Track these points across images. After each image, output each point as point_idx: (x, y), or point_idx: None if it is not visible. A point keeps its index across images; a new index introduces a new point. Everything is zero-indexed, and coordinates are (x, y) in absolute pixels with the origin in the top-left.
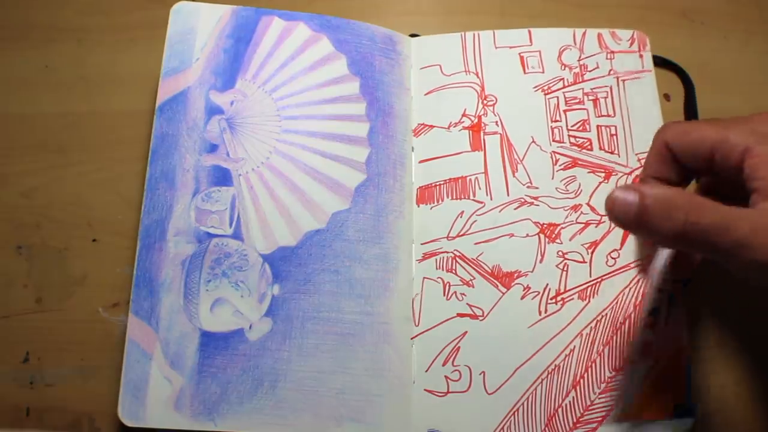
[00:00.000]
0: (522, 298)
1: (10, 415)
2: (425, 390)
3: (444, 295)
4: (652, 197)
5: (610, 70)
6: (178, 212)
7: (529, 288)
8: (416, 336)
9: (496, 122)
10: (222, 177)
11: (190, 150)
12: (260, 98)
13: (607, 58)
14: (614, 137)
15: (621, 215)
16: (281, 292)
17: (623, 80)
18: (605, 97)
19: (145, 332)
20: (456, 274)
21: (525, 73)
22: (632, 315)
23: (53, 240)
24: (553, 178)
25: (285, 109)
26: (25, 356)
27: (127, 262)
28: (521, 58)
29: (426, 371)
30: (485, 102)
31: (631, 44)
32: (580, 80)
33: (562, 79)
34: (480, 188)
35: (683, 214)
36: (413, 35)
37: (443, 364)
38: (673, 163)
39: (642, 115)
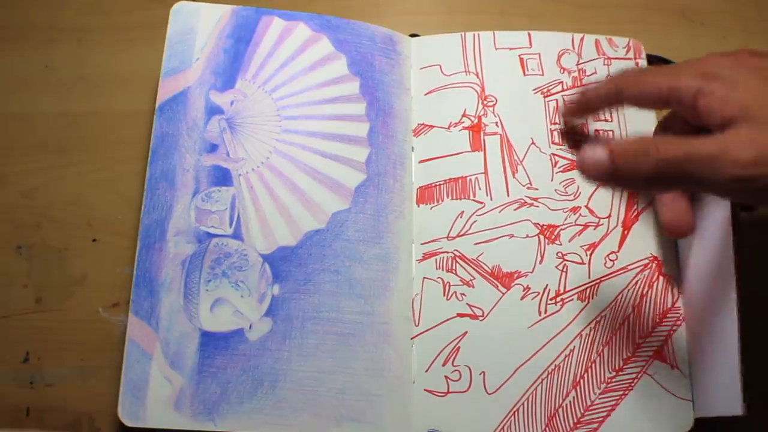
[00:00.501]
0: (522, 298)
1: (10, 415)
2: (425, 390)
3: (444, 295)
4: (619, 145)
5: (607, 76)
6: (178, 212)
7: (529, 288)
8: (416, 336)
9: (496, 123)
10: (222, 177)
11: (190, 150)
12: (260, 98)
13: (604, 64)
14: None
15: (594, 171)
16: (281, 292)
17: None
18: None
19: (145, 332)
20: (456, 274)
21: (525, 74)
22: (631, 316)
23: (53, 240)
24: (552, 180)
25: (285, 109)
26: (25, 356)
27: (127, 262)
28: (521, 59)
29: (426, 371)
30: (485, 102)
31: (627, 51)
32: (579, 84)
33: (561, 82)
34: (480, 188)
35: (653, 151)
36: (413, 35)
37: (443, 364)
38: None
39: (638, 122)
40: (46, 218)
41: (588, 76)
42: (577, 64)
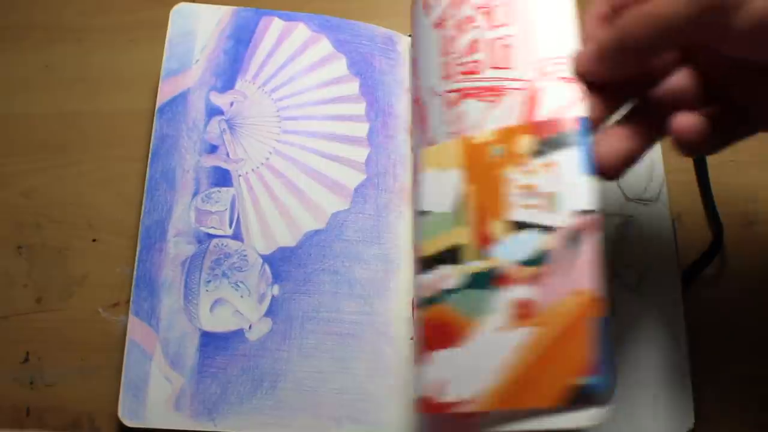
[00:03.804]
0: None
1: (10, 415)
2: None
3: None
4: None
5: None
6: (178, 213)
7: None
8: None
9: None
10: (222, 178)
11: (190, 151)
12: (260, 99)
13: None
14: (508, 48)
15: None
16: (281, 293)
17: None
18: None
19: (145, 332)
20: None
21: None
22: None
23: (53, 240)
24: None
25: (285, 110)
26: (25, 356)
27: (127, 262)
28: None
29: None
30: None
31: None
32: None
33: None
34: None
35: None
36: None
37: None
38: None
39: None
40: (46, 218)
41: None
42: None
